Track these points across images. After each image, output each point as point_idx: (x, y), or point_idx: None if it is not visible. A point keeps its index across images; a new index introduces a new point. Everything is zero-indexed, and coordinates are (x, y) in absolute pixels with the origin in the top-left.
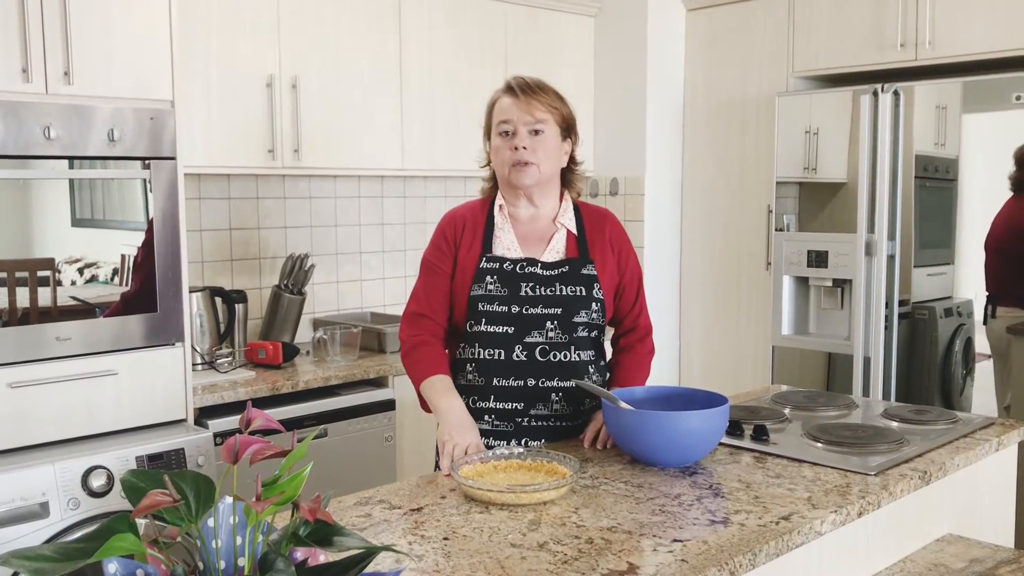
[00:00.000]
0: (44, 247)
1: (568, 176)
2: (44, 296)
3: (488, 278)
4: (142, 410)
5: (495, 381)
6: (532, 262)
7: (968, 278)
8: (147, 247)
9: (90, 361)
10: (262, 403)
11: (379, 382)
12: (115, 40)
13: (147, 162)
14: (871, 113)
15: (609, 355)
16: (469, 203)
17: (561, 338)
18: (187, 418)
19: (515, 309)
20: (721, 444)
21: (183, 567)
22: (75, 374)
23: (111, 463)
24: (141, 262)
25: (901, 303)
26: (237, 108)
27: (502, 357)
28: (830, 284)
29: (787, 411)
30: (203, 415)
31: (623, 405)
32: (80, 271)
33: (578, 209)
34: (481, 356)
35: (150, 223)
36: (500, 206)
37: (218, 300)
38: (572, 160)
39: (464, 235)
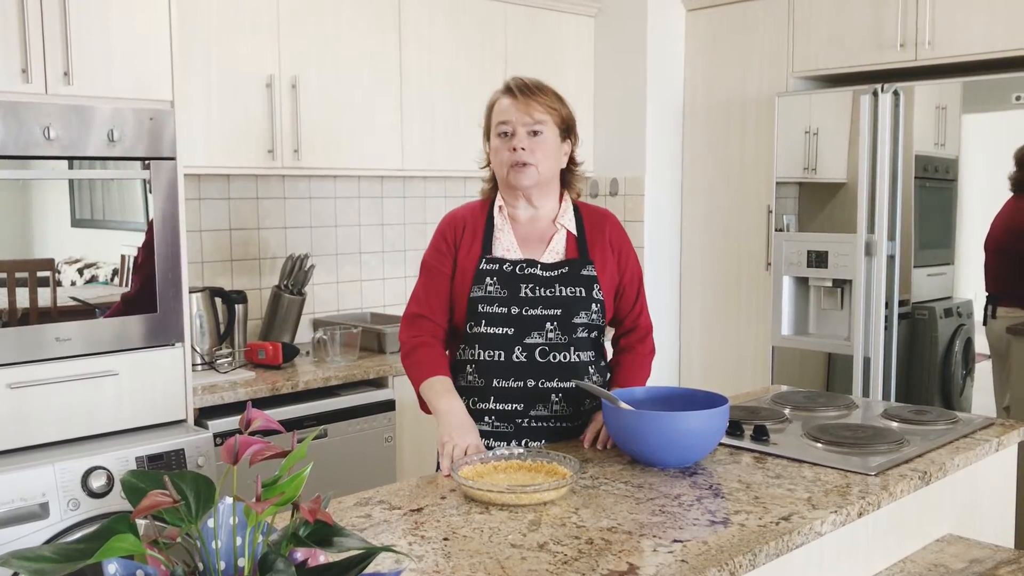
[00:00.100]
0: (44, 247)
1: (568, 177)
2: (44, 296)
3: (488, 279)
4: (142, 411)
5: (495, 382)
6: (532, 263)
7: (968, 278)
8: (147, 248)
9: (90, 361)
10: (262, 403)
11: (379, 382)
12: (115, 40)
13: (147, 162)
14: (871, 113)
15: (610, 355)
16: (469, 204)
17: (561, 339)
18: (187, 419)
19: (515, 310)
20: (721, 444)
21: (183, 568)
22: (75, 375)
23: (111, 464)
24: (141, 263)
25: (901, 303)
26: (237, 108)
27: (502, 358)
28: (830, 284)
29: (787, 411)
30: (203, 415)
31: (623, 405)
32: (80, 271)
33: (578, 210)
34: (481, 357)
35: (150, 224)
36: (500, 207)
37: (218, 300)
38: (572, 161)
39: (464, 236)
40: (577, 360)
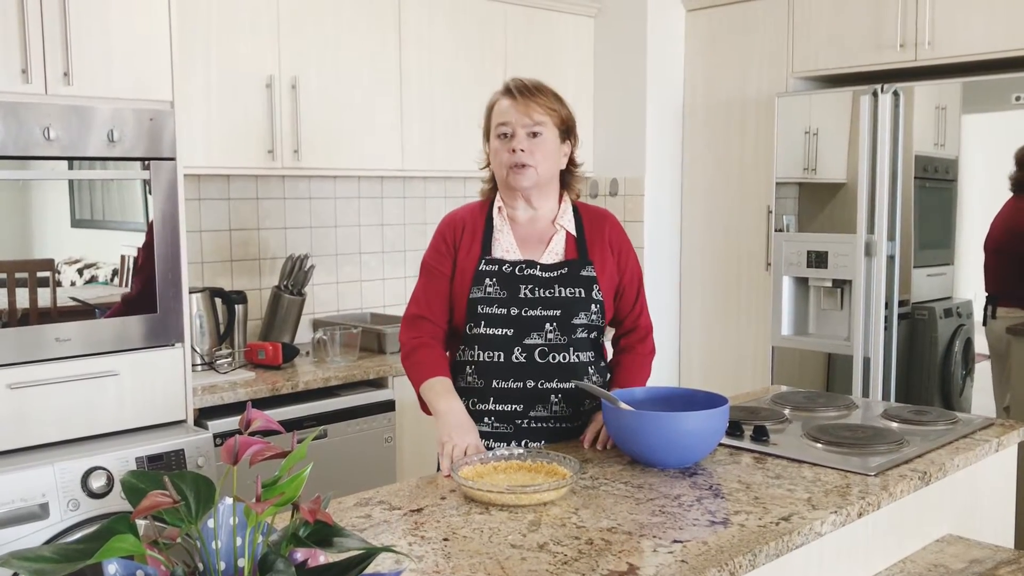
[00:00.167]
0: (44, 248)
1: (567, 178)
2: (44, 297)
3: (487, 280)
4: (142, 411)
5: (494, 383)
6: (531, 264)
7: (968, 279)
8: (147, 248)
9: (90, 362)
10: (262, 404)
11: (379, 383)
12: (115, 41)
13: (147, 163)
14: (871, 113)
15: (609, 356)
16: (468, 205)
17: (560, 340)
18: (187, 419)
19: (514, 311)
20: (721, 445)
21: (183, 568)
22: (75, 375)
23: (111, 464)
24: (142, 264)
25: (901, 303)
26: (237, 109)
27: (501, 359)
28: (830, 284)
29: (787, 412)
30: (203, 416)
31: (623, 406)
32: (80, 272)
33: (577, 210)
34: (480, 358)
35: (150, 225)
36: (499, 208)
37: (218, 301)
38: (571, 162)
39: (463, 238)
40: (576, 361)
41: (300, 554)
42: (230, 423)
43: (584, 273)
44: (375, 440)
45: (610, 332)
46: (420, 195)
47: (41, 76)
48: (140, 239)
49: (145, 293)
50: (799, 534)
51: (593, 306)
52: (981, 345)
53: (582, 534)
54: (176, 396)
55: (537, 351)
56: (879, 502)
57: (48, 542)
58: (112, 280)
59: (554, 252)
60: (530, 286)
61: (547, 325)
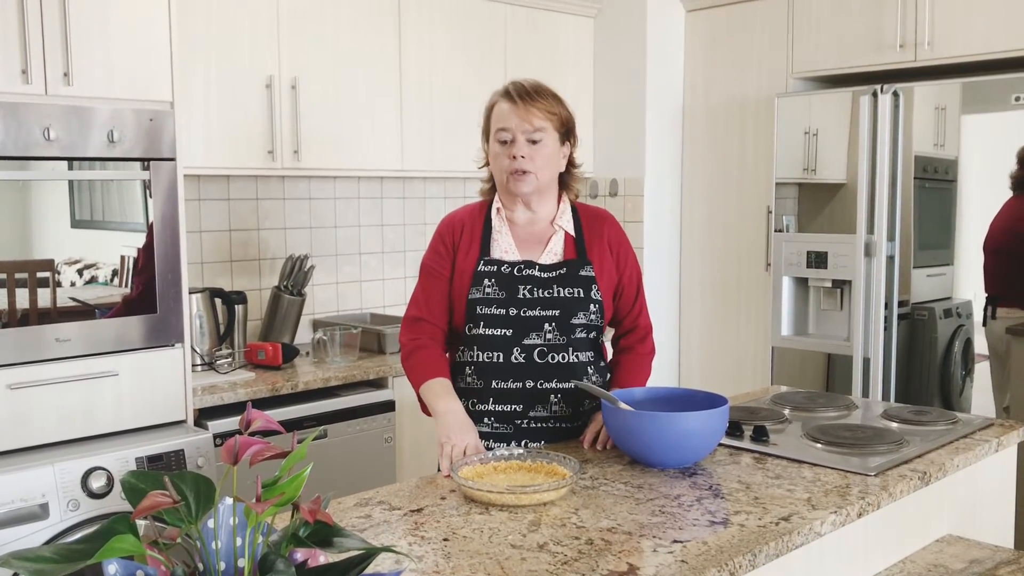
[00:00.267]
0: (44, 248)
1: (566, 178)
2: (44, 297)
3: (486, 281)
4: (142, 411)
5: (494, 383)
6: (530, 264)
7: (967, 279)
8: (147, 250)
9: (89, 362)
10: (262, 404)
11: (379, 383)
12: (115, 41)
13: (147, 163)
14: (870, 114)
15: (609, 356)
16: (467, 206)
17: (559, 340)
18: (187, 419)
19: (513, 311)
20: (721, 445)
21: (183, 568)
22: (74, 375)
23: (111, 464)
24: (142, 265)
25: (900, 304)
26: (237, 109)
27: (501, 359)
28: (829, 285)
29: (787, 412)
30: (203, 416)
31: (622, 406)
32: (79, 272)
33: (576, 210)
34: (480, 359)
35: (150, 226)
36: (497, 209)
37: (218, 301)
38: (571, 162)
39: (462, 239)
40: (576, 361)
41: (300, 554)
42: (230, 423)
43: (583, 273)
44: (375, 440)
45: (610, 332)
46: (420, 195)
47: (41, 76)
48: (140, 239)
49: (145, 293)
50: (799, 534)
51: (592, 306)
52: (981, 345)
53: (582, 534)
54: (176, 396)
55: (536, 351)
56: (879, 502)
57: (48, 542)
58: (112, 280)
59: (553, 252)
60: (529, 286)
61: (546, 325)
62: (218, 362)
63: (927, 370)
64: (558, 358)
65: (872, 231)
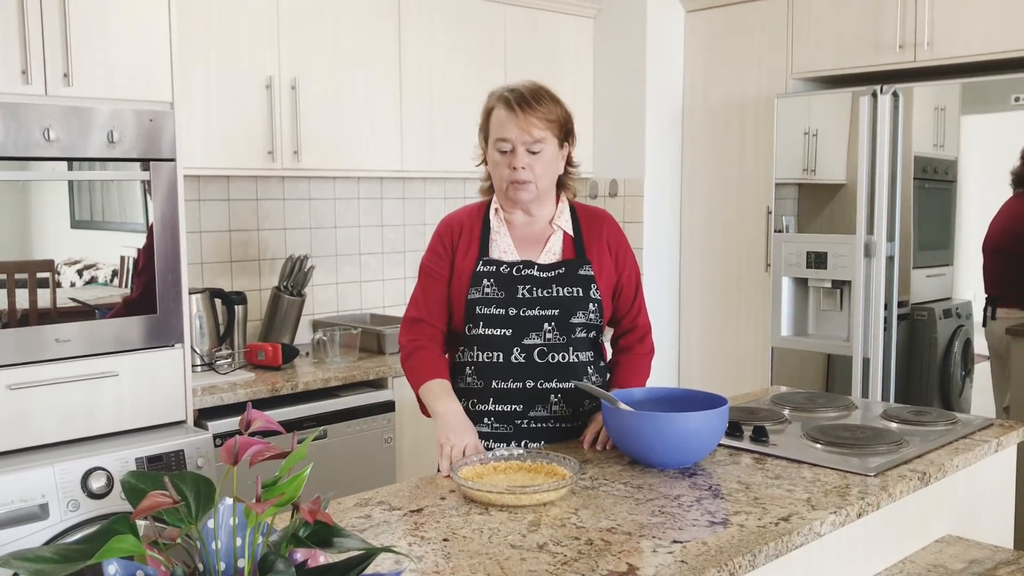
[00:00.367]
0: (43, 249)
1: (564, 178)
2: (43, 298)
3: (485, 281)
4: (142, 411)
5: (494, 384)
6: (529, 264)
7: (967, 279)
8: (147, 250)
9: (89, 362)
10: (262, 404)
11: (379, 383)
12: (114, 42)
13: (146, 164)
14: (870, 114)
15: (609, 355)
16: (466, 207)
17: (559, 339)
18: (187, 419)
19: (512, 311)
20: (721, 445)
21: (183, 568)
22: (74, 375)
23: (111, 464)
24: (142, 266)
25: (900, 304)
26: (236, 109)
27: (500, 360)
28: (829, 285)
29: (786, 412)
30: (203, 416)
31: (622, 406)
32: (79, 273)
33: (574, 210)
34: (480, 359)
35: (150, 227)
36: (496, 210)
37: (218, 302)
38: (569, 162)
39: (461, 240)
40: (576, 360)
41: (300, 554)
42: (230, 424)
43: (582, 272)
44: (375, 440)
45: (609, 332)
46: (420, 196)
47: (41, 77)
48: (140, 240)
49: (145, 294)
50: (798, 534)
51: (591, 305)
52: (980, 346)
53: (582, 534)
54: (176, 397)
55: (536, 351)
56: (878, 502)
57: (48, 543)
58: (112, 281)
59: (551, 252)
60: (528, 286)
61: (546, 325)
62: (218, 362)
63: (927, 370)
64: (558, 358)
65: (872, 231)
